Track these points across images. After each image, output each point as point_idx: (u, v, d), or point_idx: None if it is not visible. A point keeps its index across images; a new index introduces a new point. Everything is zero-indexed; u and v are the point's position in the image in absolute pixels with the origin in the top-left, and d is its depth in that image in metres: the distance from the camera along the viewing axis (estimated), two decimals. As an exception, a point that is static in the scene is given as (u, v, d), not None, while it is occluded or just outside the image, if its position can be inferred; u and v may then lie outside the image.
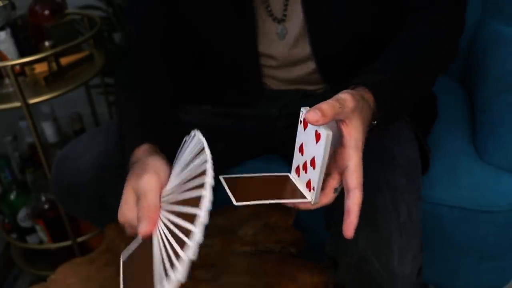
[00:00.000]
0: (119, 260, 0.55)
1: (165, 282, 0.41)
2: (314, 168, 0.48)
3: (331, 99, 0.47)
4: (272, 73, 0.78)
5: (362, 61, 0.75)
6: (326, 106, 0.45)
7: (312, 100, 0.78)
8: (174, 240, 0.43)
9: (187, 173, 0.47)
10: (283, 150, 0.84)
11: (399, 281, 0.58)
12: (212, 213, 0.84)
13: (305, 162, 0.50)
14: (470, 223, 0.82)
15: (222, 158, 0.58)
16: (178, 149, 0.54)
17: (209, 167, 0.44)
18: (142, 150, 0.58)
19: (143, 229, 0.47)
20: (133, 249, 0.54)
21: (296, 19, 0.71)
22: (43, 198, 1.20)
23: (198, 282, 0.68)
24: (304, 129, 0.50)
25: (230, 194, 0.48)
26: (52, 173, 0.75)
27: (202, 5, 0.72)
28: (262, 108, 0.81)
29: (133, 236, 0.53)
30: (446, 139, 0.89)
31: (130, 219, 0.51)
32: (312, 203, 0.50)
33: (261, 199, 0.48)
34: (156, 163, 0.52)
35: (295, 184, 0.52)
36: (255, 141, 0.84)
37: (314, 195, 0.49)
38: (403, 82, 0.60)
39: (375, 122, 0.55)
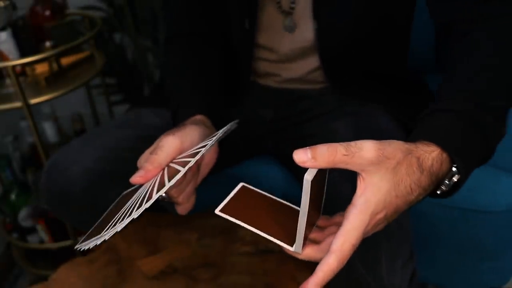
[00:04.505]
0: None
1: (126, 219, 0.45)
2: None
3: (342, 143, 0.38)
4: (272, 69, 0.77)
5: (369, 61, 0.74)
6: (324, 149, 0.37)
7: (308, 102, 0.78)
8: (157, 184, 0.47)
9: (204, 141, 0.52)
10: (276, 151, 0.84)
11: None
12: (213, 213, 0.84)
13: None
14: (469, 224, 0.82)
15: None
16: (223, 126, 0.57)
17: (222, 129, 0.49)
18: (192, 119, 0.61)
19: (136, 177, 0.51)
20: (132, 189, 0.56)
21: (303, 10, 0.70)
22: (44, 198, 1.20)
23: (198, 282, 0.68)
24: None
25: (226, 201, 0.45)
26: (42, 180, 0.72)
27: None
28: (256, 109, 0.81)
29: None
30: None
31: (140, 166, 0.54)
32: (292, 250, 0.43)
33: (245, 222, 0.43)
34: (190, 132, 0.55)
35: (296, 224, 0.45)
36: (248, 143, 0.83)
37: (295, 243, 0.43)
38: (480, 111, 0.46)
39: (454, 179, 0.44)
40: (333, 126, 0.74)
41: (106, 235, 0.45)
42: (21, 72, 1.09)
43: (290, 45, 0.73)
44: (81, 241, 0.51)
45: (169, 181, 0.45)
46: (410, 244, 0.60)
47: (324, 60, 0.73)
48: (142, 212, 0.44)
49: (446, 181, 0.45)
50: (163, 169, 0.52)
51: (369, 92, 0.76)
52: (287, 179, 0.82)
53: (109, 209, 0.56)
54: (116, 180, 0.69)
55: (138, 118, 0.78)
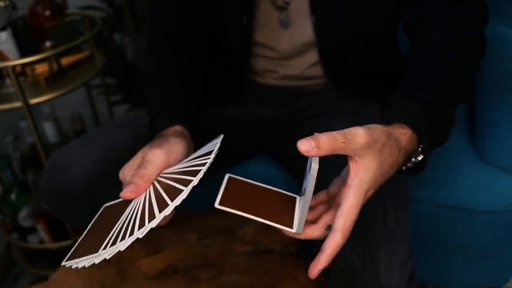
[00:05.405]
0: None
1: (128, 238, 0.43)
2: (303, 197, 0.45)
3: (338, 131, 0.42)
4: (270, 66, 0.77)
5: (367, 57, 0.74)
6: (325, 138, 0.41)
7: (306, 100, 0.78)
8: (155, 201, 0.47)
9: (192, 157, 0.52)
10: (275, 151, 0.84)
11: None
12: (212, 213, 0.84)
13: (303, 189, 0.48)
14: (468, 223, 0.82)
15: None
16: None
17: (217, 146, 0.48)
18: (171, 130, 0.61)
19: (126, 192, 0.51)
20: (116, 202, 0.56)
21: (299, 6, 0.70)
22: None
23: (198, 282, 0.68)
24: None
25: (220, 194, 0.47)
26: (42, 180, 0.71)
27: None
28: (255, 109, 0.80)
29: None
30: (446, 139, 0.89)
31: (126, 179, 0.54)
32: (294, 231, 0.46)
33: (245, 212, 0.45)
34: (175, 145, 0.55)
35: (293, 208, 0.49)
36: (247, 142, 0.83)
37: (297, 225, 0.46)
38: (442, 102, 0.53)
39: (419, 158, 0.51)
40: (332, 125, 0.74)
41: (106, 253, 0.44)
42: (21, 72, 1.09)
43: (289, 42, 0.73)
44: (68, 257, 0.48)
45: (171, 200, 0.45)
46: (409, 243, 0.61)
47: (323, 55, 0.73)
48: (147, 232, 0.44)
49: (413, 159, 0.52)
50: (153, 183, 0.51)
51: (368, 90, 0.76)
52: (285, 179, 0.82)
53: (92, 222, 0.54)
54: (116, 180, 0.69)
55: (138, 119, 0.78)
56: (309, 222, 0.48)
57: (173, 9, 0.76)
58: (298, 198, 0.50)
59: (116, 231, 0.47)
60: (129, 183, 0.51)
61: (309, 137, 0.41)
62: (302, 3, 0.69)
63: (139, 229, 0.44)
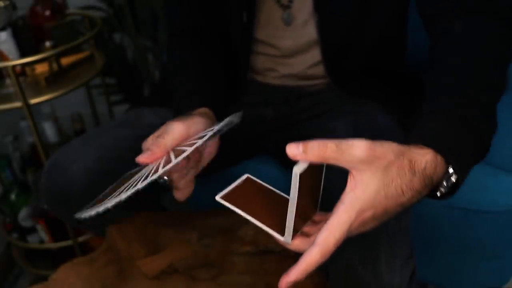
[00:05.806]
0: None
1: (129, 190, 0.46)
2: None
3: (334, 140, 0.39)
4: (271, 64, 0.78)
5: (370, 56, 0.75)
6: (315, 144, 0.38)
7: (308, 100, 0.78)
8: (163, 162, 0.49)
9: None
10: (276, 151, 0.84)
11: None
12: (213, 213, 0.84)
13: None
14: (469, 223, 0.82)
15: (211, 162, 0.60)
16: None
17: (230, 117, 0.52)
18: (197, 111, 0.63)
19: (141, 157, 0.53)
20: (138, 168, 0.58)
21: (303, 4, 0.70)
22: (44, 198, 1.20)
23: (198, 282, 0.68)
24: None
25: (227, 189, 0.48)
26: (42, 180, 0.72)
27: None
28: (256, 108, 0.81)
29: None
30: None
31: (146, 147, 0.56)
32: (282, 240, 0.44)
33: (243, 211, 0.45)
34: (197, 123, 0.58)
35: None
36: (247, 142, 0.83)
37: (285, 234, 0.44)
38: (469, 110, 0.47)
39: (453, 179, 0.45)
40: (333, 125, 0.74)
41: (109, 203, 0.46)
42: (21, 72, 1.09)
43: (291, 40, 0.73)
44: (81, 211, 0.52)
45: (175, 158, 0.48)
46: (410, 244, 0.61)
47: (326, 54, 0.73)
48: (147, 184, 0.46)
49: (444, 183, 0.46)
50: (168, 153, 0.54)
51: (369, 90, 0.76)
52: (286, 179, 0.82)
53: (112, 186, 0.57)
54: (116, 180, 0.69)
55: (138, 118, 0.78)
56: (306, 235, 0.45)
57: (189, 5, 0.79)
58: None
59: (124, 188, 0.49)
60: (146, 149, 0.54)
61: (299, 142, 0.39)
62: (306, 1, 0.69)
63: (142, 182, 0.46)
